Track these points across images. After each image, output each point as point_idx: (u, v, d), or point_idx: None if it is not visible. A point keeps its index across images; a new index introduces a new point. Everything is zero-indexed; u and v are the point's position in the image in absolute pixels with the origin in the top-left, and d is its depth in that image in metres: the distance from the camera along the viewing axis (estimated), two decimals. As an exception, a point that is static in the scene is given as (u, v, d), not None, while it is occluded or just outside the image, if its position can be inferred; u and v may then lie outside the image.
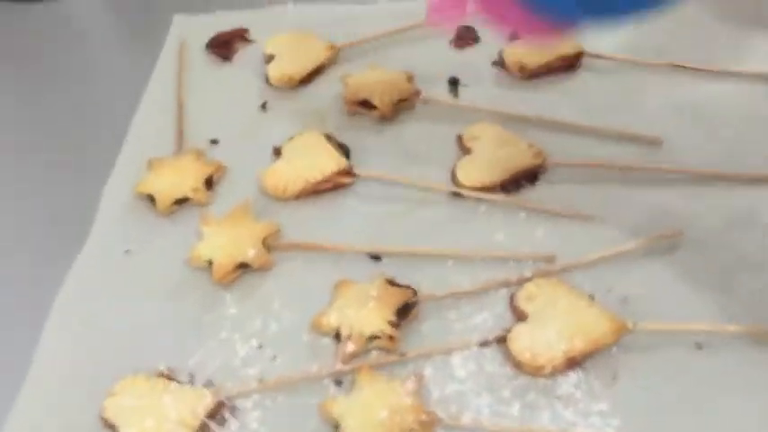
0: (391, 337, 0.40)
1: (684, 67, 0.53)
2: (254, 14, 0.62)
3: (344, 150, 0.51)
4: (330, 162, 0.49)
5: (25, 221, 0.50)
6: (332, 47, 0.57)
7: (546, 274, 0.43)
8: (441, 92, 0.54)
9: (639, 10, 0.36)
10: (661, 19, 0.56)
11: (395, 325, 0.40)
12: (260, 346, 0.42)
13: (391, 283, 0.42)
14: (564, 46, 0.55)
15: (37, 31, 0.66)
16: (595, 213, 0.45)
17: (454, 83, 0.55)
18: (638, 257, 0.43)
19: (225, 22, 0.62)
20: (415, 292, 0.42)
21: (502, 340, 0.40)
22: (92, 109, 0.58)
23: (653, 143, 0.49)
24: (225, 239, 0.45)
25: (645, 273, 0.43)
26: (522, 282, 0.42)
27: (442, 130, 0.52)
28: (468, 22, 0.58)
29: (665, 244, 0.43)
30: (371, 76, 0.54)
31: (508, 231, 0.45)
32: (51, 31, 0.65)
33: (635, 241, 0.43)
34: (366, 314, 0.41)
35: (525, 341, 0.39)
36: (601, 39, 0.56)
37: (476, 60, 0.57)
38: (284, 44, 0.58)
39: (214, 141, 0.53)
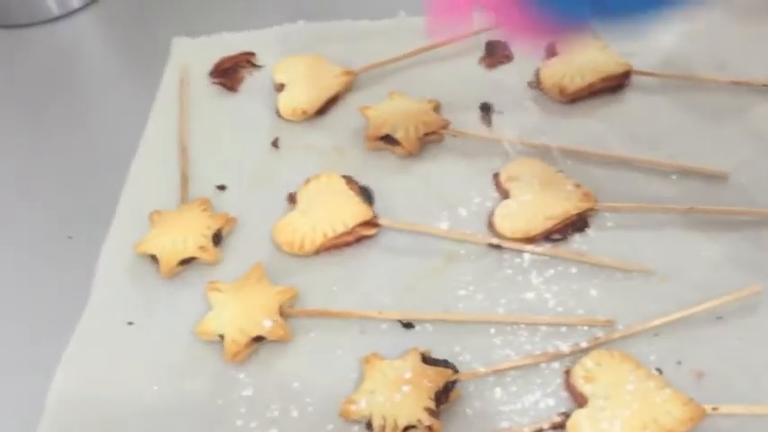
0: (431, 428, 0.35)
1: (749, 84, 0.47)
2: (260, 35, 0.57)
3: (367, 195, 0.45)
4: (352, 212, 0.43)
5: (19, 287, 0.45)
6: (348, 72, 0.51)
7: (604, 344, 0.37)
8: (472, 120, 0.49)
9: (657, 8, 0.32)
10: (720, 30, 0.51)
11: (433, 412, 0.35)
12: (281, 436, 0.37)
13: (427, 359, 0.37)
14: (609, 64, 0.49)
15: (30, 56, 0.61)
16: (656, 266, 0.40)
17: (486, 109, 0.49)
18: (711, 320, 0.38)
19: (229, 44, 0.56)
20: (454, 370, 0.37)
21: (558, 427, 0.35)
22: (88, 148, 0.52)
23: (717, 178, 0.43)
24: (237, 310, 0.40)
25: (720, 339, 0.37)
26: (576, 353, 0.37)
27: (476, 167, 0.46)
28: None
29: (743, 303, 0.38)
30: (393, 107, 0.49)
31: (557, 290, 0.40)
32: (45, 57, 0.60)
33: (706, 301, 0.38)
34: (401, 400, 0.35)
35: (587, 432, 0.34)
36: (650, 53, 0.50)
37: (509, 81, 0.51)
38: (295, 71, 0.52)
39: (221, 187, 0.47)
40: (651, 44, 0.51)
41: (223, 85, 0.53)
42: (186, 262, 0.43)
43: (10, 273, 0.46)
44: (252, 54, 0.55)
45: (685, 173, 0.43)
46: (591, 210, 0.42)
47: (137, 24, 0.62)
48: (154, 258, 0.43)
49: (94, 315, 0.42)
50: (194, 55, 0.56)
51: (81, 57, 0.61)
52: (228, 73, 0.54)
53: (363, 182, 0.46)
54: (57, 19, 0.62)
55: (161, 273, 0.43)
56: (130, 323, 0.42)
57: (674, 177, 0.43)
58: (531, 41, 0.42)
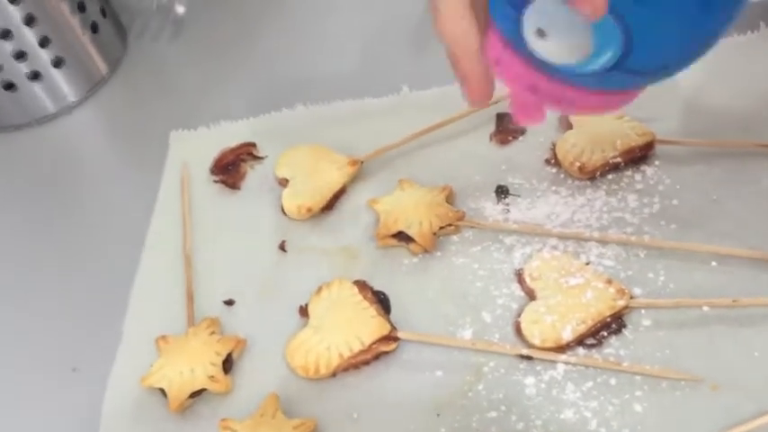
0: None
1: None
2: (259, 122, 0.54)
3: (382, 302, 0.42)
4: (368, 326, 0.40)
5: (21, 426, 0.43)
6: (353, 162, 0.49)
7: (655, 470, 0.34)
8: (488, 206, 0.46)
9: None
10: (740, 95, 0.47)
11: None
12: None
13: (462, 501, 0.34)
14: (630, 135, 0.45)
15: (27, 158, 0.59)
16: (705, 372, 0.36)
17: (502, 192, 0.46)
18: (771, 436, 0.34)
19: (228, 134, 0.54)
20: None
21: None
22: (91, 258, 0.50)
23: (762, 262, 0.39)
24: (253, 451, 0.37)
25: (784, 460, 0.33)
26: (625, 482, 0.34)
27: (497, 262, 0.43)
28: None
29: (803, 414, 0.34)
30: (404, 199, 0.46)
31: (597, 406, 0.36)
32: (37, 160, 0.58)
33: (766, 413, 0.34)
34: None
35: None
36: (670, 121, 0.47)
37: (524, 158, 0.48)
38: (298, 165, 0.49)
39: (229, 302, 0.45)
40: (669, 107, 0.48)
41: (225, 183, 0.51)
42: (197, 394, 0.41)
43: (11, 410, 0.43)
44: (252, 145, 0.53)
45: (726, 257, 0.40)
46: (626, 308, 0.39)
47: (134, 115, 0.60)
48: (162, 391, 0.41)
49: (103, 460, 0.40)
50: (194, 148, 0.54)
51: (79, 153, 0.59)
52: (230, 169, 0.51)
53: (377, 285, 0.43)
54: (53, 116, 0.61)
55: (170, 408, 0.40)
56: (141, 467, 0.39)
57: (714, 264, 0.40)
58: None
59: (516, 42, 0.31)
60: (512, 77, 0.33)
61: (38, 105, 0.60)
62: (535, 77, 0.32)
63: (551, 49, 0.30)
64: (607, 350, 0.38)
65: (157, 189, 0.52)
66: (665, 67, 0.31)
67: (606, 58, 0.29)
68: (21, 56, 0.56)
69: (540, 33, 0.30)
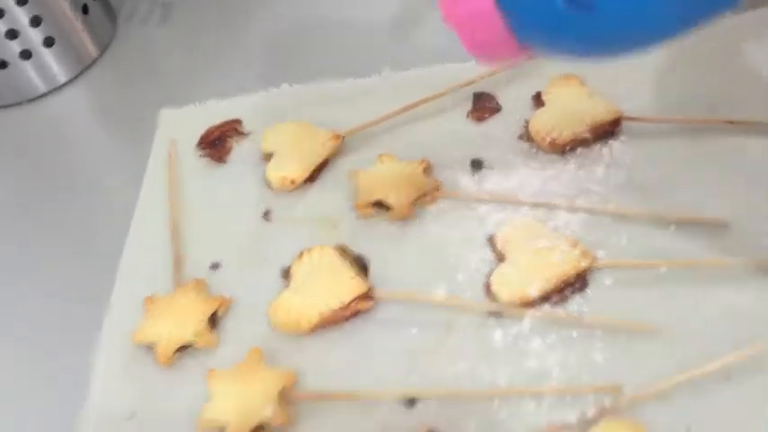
0: None
1: (744, 123, 0.46)
2: (246, 101, 0.56)
3: (362, 264, 0.45)
4: (347, 286, 0.43)
5: (14, 384, 0.45)
6: (335, 137, 0.51)
7: (612, 412, 0.36)
8: (463, 178, 0.48)
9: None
10: (707, 73, 0.50)
11: (442, 499, 0.34)
12: None
13: (433, 440, 0.36)
14: (598, 111, 0.48)
15: (19, 135, 0.61)
16: (660, 325, 0.39)
17: (477, 166, 0.49)
18: (721, 381, 0.37)
19: (215, 112, 0.56)
20: (461, 450, 0.36)
21: (571, 506, 0.34)
22: (81, 229, 0.52)
23: (717, 226, 0.42)
24: (237, 398, 0.39)
25: (730, 401, 0.36)
26: (584, 424, 0.36)
27: (471, 229, 0.45)
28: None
29: (753, 362, 0.37)
30: (383, 171, 0.48)
31: (560, 356, 0.39)
32: (28, 138, 0.60)
33: (713, 360, 0.37)
34: (408, 488, 0.35)
35: None
36: (638, 95, 0.49)
37: (499, 134, 0.50)
38: (282, 139, 0.51)
39: (215, 266, 0.47)
40: (638, 85, 0.50)
41: (211, 156, 0.53)
42: (184, 348, 0.43)
43: (6, 366, 0.45)
44: (238, 122, 0.55)
45: (684, 223, 0.43)
46: (589, 268, 0.41)
47: (123, 96, 0.61)
48: (150, 347, 0.43)
49: (94, 411, 0.41)
50: (182, 125, 0.56)
51: (69, 133, 0.61)
52: (216, 144, 0.54)
53: (357, 251, 0.45)
54: (43, 96, 0.62)
55: (159, 361, 0.42)
56: (131, 417, 0.41)
57: (672, 228, 0.43)
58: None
59: None
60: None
61: (28, 85, 0.62)
62: None
63: None
64: (571, 307, 0.41)
65: (146, 165, 0.54)
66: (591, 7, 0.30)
67: None
68: (12, 35, 0.58)
69: None
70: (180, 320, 0.43)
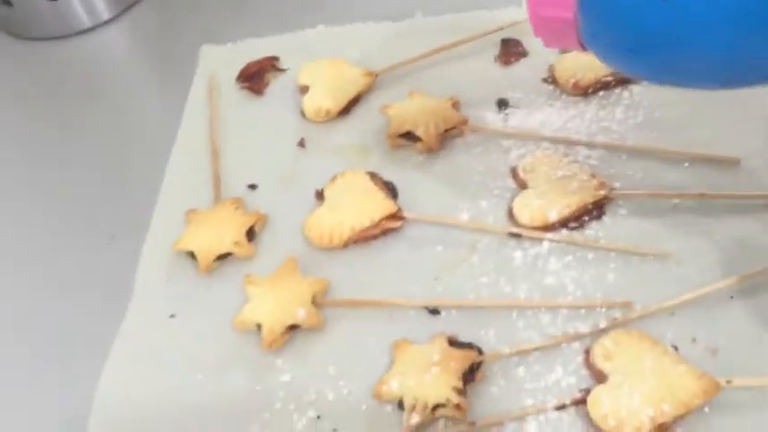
0: (458, 406, 0.37)
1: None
2: (283, 40, 0.59)
3: (391, 189, 0.47)
4: (377, 206, 0.45)
5: (62, 284, 0.48)
6: (369, 73, 0.54)
7: (622, 324, 0.39)
8: (489, 116, 0.51)
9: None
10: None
11: (461, 392, 0.37)
12: (318, 417, 0.39)
13: (453, 343, 0.39)
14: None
15: (64, 66, 0.64)
16: (671, 250, 0.42)
17: (503, 105, 0.51)
18: (724, 300, 0.39)
19: (254, 50, 0.58)
20: (480, 352, 0.39)
21: (580, 403, 0.37)
22: (124, 154, 0.55)
23: (729, 163, 0.45)
24: (272, 301, 0.42)
25: (733, 318, 0.39)
26: (596, 334, 0.39)
27: (495, 160, 0.48)
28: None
29: (754, 283, 0.39)
30: (413, 105, 0.51)
31: (576, 275, 0.42)
32: (73, 69, 0.63)
33: (719, 282, 0.39)
34: (430, 381, 0.38)
35: (607, 406, 0.36)
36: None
37: (524, 77, 0.53)
38: (318, 74, 0.54)
39: (252, 186, 0.50)
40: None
41: (250, 89, 0.56)
42: (222, 257, 0.46)
43: (55, 273, 0.48)
44: (276, 59, 0.57)
45: (697, 160, 0.45)
46: (606, 198, 0.44)
47: (165, 34, 0.64)
48: (192, 255, 0.46)
49: (138, 310, 0.45)
50: (222, 61, 0.59)
51: (112, 66, 0.64)
52: (254, 77, 0.56)
53: (387, 178, 0.48)
54: (88, 30, 0.65)
55: (199, 268, 0.45)
56: (172, 316, 0.44)
57: (686, 165, 0.45)
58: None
59: None
60: None
61: (76, 19, 0.64)
62: None
63: None
64: (588, 231, 0.43)
65: (185, 97, 0.57)
66: None
67: None
68: (65, -31, 0.61)
69: None
70: (219, 232, 0.46)
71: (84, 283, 0.47)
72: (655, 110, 0.48)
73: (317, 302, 0.42)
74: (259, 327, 0.42)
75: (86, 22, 0.65)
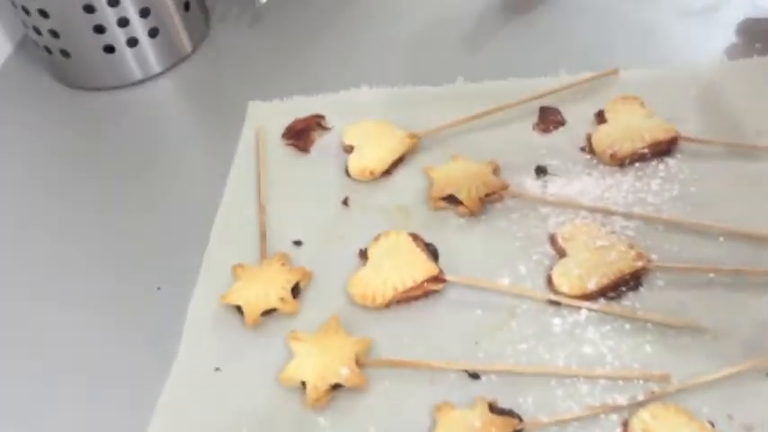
0: (499, 472, 0.38)
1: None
2: (329, 99, 0.61)
3: (432, 251, 0.49)
4: (420, 268, 0.47)
5: (107, 334, 0.49)
6: (412, 136, 0.56)
7: (660, 398, 0.40)
8: (528, 181, 0.52)
9: None
10: (761, 104, 0.54)
11: (501, 458, 0.38)
12: (358, 476, 0.40)
13: (494, 408, 0.40)
14: (657, 130, 0.52)
15: (116, 118, 0.66)
16: (708, 324, 0.43)
17: (542, 172, 0.53)
18: (761, 378, 0.40)
19: (300, 107, 0.61)
20: (520, 419, 0.40)
21: (618, 474, 0.38)
22: (174, 207, 0.56)
23: (762, 240, 0.46)
24: (316, 358, 0.44)
25: (768, 395, 0.40)
26: (634, 405, 0.40)
27: (534, 227, 0.50)
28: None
29: (789, 361, 0.40)
30: (455, 169, 0.53)
31: (613, 345, 0.43)
32: (125, 120, 0.65)
33: (755, 359, 0.40)
34: (471, 446, 0.39)
35: (645, 480, 0.36)
36: (695, 118, 0.53)
37: (562, 145, 0.54)
38: (363, 134, 0.56)
39: (297, 243, 0.52)
40: (695, 110, 0.54)
41: (296, 146, 0.58)
42: (268, 313, 0.47)
43: (105, 322, 0.50)
44: (322, 117, 0.60)
45: (732, 236, 0.46)
46: (643, 269, 0.45)
47: (214, 89, 0.67)
48: (238, 309, 0.48)
49: (186, 362, 0.46)
50: (269, 117, 0.61)
51: (162, 118, 0.66)
52: (300, 135, 0.59)
53: (428, 239, 0.50)
54: (139, 83, 0.68)
55: (246, 323, 0.47)
56: (218, 369, 0.46)
57: (721, 240, 0.46)
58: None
59: None
60: None
61: (129, 71, 0.67)
62: None
63: None
64: (625, 302, 0.45)
65: (234, 151, 0.59)
66: None
67: None
68: (123, 23, 0.64)
69: None
70: (266, 287, 0.48)
71: (131, 334, 0.49)
72: (690, 184, 0.50)
73: (359, 362, 0.44)
74: (303, 384, 0.43)
75: (138, 74, 0.68)
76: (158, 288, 0.51)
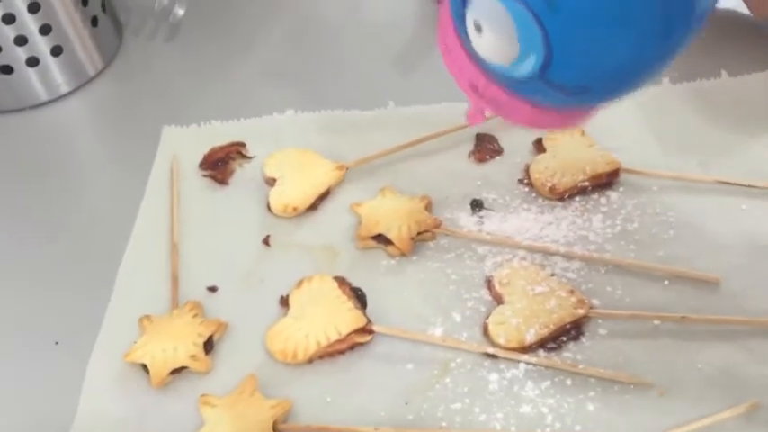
0: None
1: (735, 184, 0.48)
2: (250, 124, 0.57)
3: (360, 297, 0.45)
4: (345, 318, 0.43)
5: (5, 394, 0.44)
6: (339, 167, 0.51)
7: (603, 462, 0.37)
8: (463, 217, 0.49)
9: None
10: (704, 133, 0.51)
11: None
12: None
13: (426, 481, 0.37)
14: (598, 162, 0.49)
15: (17, 142, 0.60)
16: (652, 378, 0.40)
17: (478, 206, 0.49)
18: (710, 437, 0.38)
19: (219, 133, 0.56)
20: (453, 492, 0.36)
21: None
22: (77, 242, 0.51)
23: (709, 283, 0.43)
24: (230, 427, 0.39)
25: (720, 458, 0.37)
26: (575, 472, 0.37)
27: (470, 268, 0.46)
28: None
29: (739, 418, 0.38)
30: (385, 205, 0.49)
31: (554, 404, 0.39)
32: (27, 145, 0.59)
33: (704, 418, 0.38)
34: None
35: None
36: (636, 149, 0.51)
37: (499, 176, 0.51)
38: (286, 166, 0.52)
39: (212, 289, 0.47)
40: (636, 139, 0.52)
41: (213, 177, 0.53)
42: (177, 371, 0.42)
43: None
44: (242, 145, 0.55)
45: (678, 278, 0.44)
46: (585, 317, 0.42)
47: (125, 110, 0.61)
48: (144, 367, 0.43)
49: (82, 429, 0.41)
50: (184, 144, 0.56)
51: (68, 143, 0.60)
52: (219, 165, 0.54)
53: (356, 283, 0.46)
54: (45, 104, 0.62)
55: (151, 383, 0.42)
56: (119, 438, 0.41)
57: (666, 282, 0.44)
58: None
59: (463, 35, 0.30)
60: (456, 70, 0.33)
61: (31, 92, 0.61)
62: (476, 75, 0.32)
63: (484, 46, 0.29)
64: (565, 354, 0.41)
65: (146, 180, 0.54)
66: (586, 89, 0.30)
67: (530, 64, 0.28)
68: (21, 41, 0.58)
69: (477, 27, 0.29)
70: (175, 342, 0.43)
71: (25, 395, 0.43)
72: (632, 219, 0.47)
73: (277, 428, 0.39)
74: (215, 455, 0.39)
75: (43, 95, 0.62)
76: (56, 342, 0.46)
